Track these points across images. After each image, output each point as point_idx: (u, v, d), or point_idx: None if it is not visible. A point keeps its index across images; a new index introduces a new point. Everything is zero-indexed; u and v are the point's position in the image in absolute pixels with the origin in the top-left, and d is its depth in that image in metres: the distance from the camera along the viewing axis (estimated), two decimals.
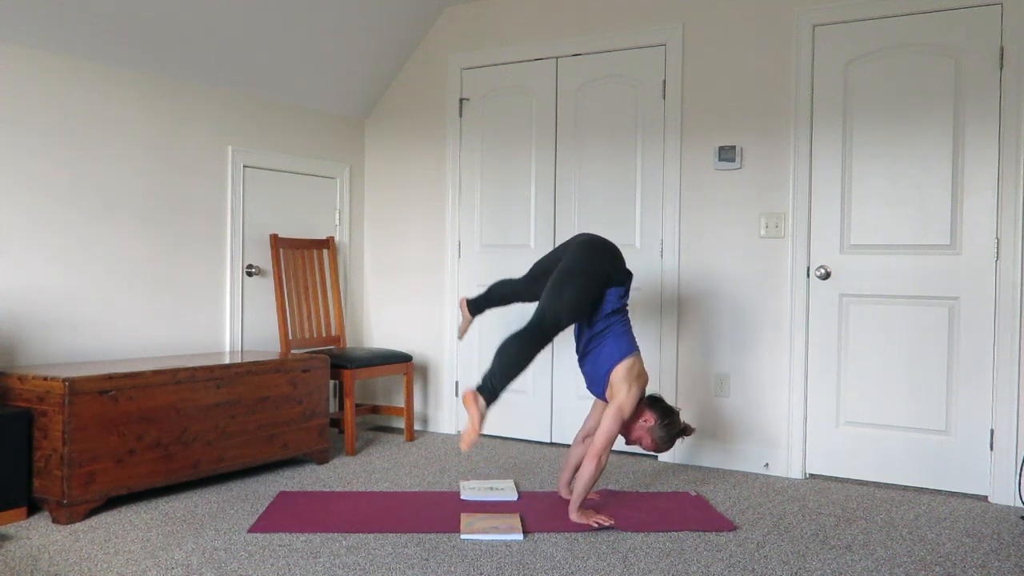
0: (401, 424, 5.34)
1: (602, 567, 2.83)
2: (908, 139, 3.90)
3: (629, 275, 3.42)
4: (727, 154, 4.26)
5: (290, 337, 4.75)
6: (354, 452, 4.52)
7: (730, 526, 3.27)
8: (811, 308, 4.12)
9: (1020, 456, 3.68)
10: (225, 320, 4.59)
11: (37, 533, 3.11)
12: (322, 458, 4.29)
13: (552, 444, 4.80)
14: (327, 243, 5.11)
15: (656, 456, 4.47)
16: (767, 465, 4.19)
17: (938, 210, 3.84)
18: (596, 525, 3.22)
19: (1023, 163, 3.66)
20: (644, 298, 4.51)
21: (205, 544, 3.01)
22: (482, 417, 3.17)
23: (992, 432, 3.74)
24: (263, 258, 4.80)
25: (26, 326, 3.71)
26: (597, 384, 3.42)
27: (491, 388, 3.21)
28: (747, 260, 4.25)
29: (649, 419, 3.37)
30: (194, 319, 4.42)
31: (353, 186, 5.43)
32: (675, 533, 3.19)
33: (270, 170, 4.86)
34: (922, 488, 3.90)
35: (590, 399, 4.40)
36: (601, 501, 3.60)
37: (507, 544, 3.05)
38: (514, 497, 3.65)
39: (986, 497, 3.76)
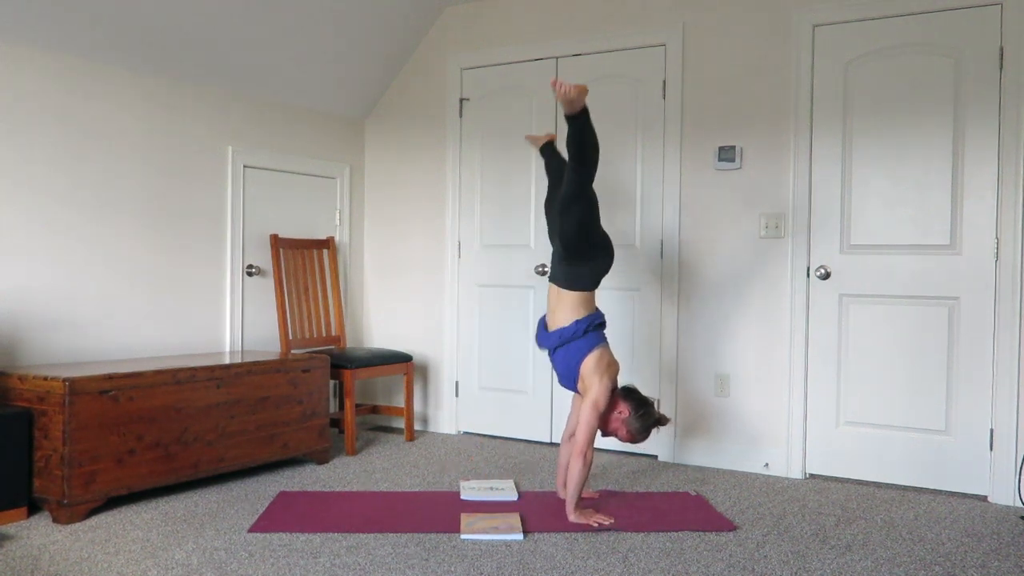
0: (401, 424, 5.34)
1: (602, 567, 2.83)
2: (908, 139, 3.90)
3: (607, 262, 3.46)
4: (727, 154, 4.26)
5: (290, 337, 4.75)
6: (354, 452, 4.52)
7: (730, 526, 3.27)
8: (811, 308, 4.12)
9: (1020, 456, 3.68)
10: (225, 320, 4.59)
11: (37, 533, 3.12)
12: (322, 458, 4.29)
13: (552, 444, 4.80)
14: (327, 243, 5.11)
15: (656, 456, 4.47)
16: (767, 465, 4.19)
17: (938, 210, 3.84)
18: (596, 525, 3.23)
19: (1023, 163, 3.66)
20: (644, 298, 4.51)
21: (205, 544, 3.01)
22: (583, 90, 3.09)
23: (992, 432, 3.74)
24: (263, 258, 4.80)
25: (26, 326, 3.71)
26: (568, 378, 3.43)
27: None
28: (747, 260, 4.25)
29: (624, 410, 3.36)
30: (194, 319, 4.42)
31: (353, 186, 5.43)
32: (675, 533, 3.20)
33: (270, 170, 4.86)
34: (922, 488, 3.90)
35: None
36: (601, 501, 3.60)
37: (507, 544, 3.05)
38: (514, 497, 3.65)
39: (986, 497, 3.76)
